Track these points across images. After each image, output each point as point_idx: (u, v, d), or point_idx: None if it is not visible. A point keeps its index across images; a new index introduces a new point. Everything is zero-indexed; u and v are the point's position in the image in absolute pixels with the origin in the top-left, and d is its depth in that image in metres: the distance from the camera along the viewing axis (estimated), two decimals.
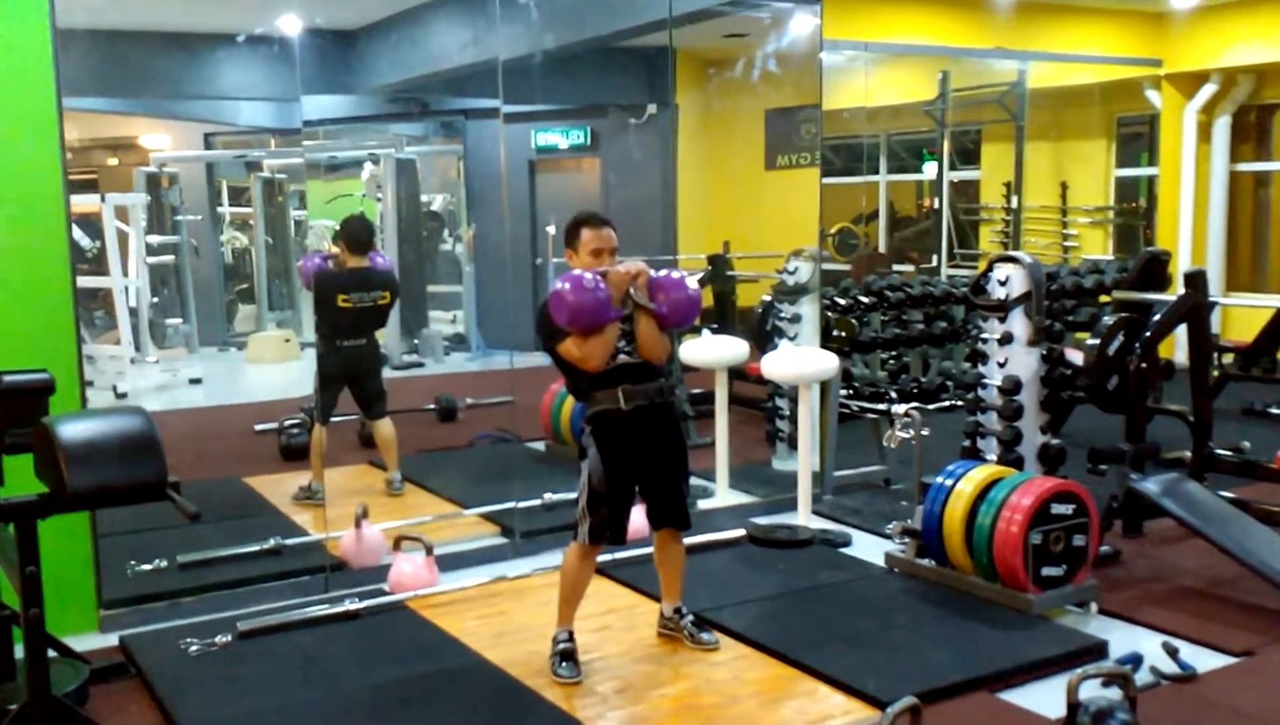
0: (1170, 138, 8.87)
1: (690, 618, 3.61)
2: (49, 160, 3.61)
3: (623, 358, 3.30)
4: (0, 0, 3.52)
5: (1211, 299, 5.08)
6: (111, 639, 3.64)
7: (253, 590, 3.99)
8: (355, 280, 5.07)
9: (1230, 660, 3.40)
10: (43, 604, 2.53)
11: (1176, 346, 7.72)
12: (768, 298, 6.16)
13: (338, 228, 5.63)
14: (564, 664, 3.34)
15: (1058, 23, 8.34)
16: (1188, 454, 4.78)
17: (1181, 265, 8.13)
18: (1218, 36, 8.34)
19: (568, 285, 3.14)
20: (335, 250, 5.28)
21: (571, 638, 3.40)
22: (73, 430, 2.49)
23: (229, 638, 3.56)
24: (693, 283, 3.34)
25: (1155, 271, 5.25)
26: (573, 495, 4.72)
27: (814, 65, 5.49)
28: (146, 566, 4.12)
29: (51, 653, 2.84)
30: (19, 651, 2.98)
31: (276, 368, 8.38)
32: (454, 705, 3.19)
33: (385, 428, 5.28)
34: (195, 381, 7.84)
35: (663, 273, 3.33)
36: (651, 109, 8.90)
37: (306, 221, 9.90)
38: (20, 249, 3.59)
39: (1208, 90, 8.60)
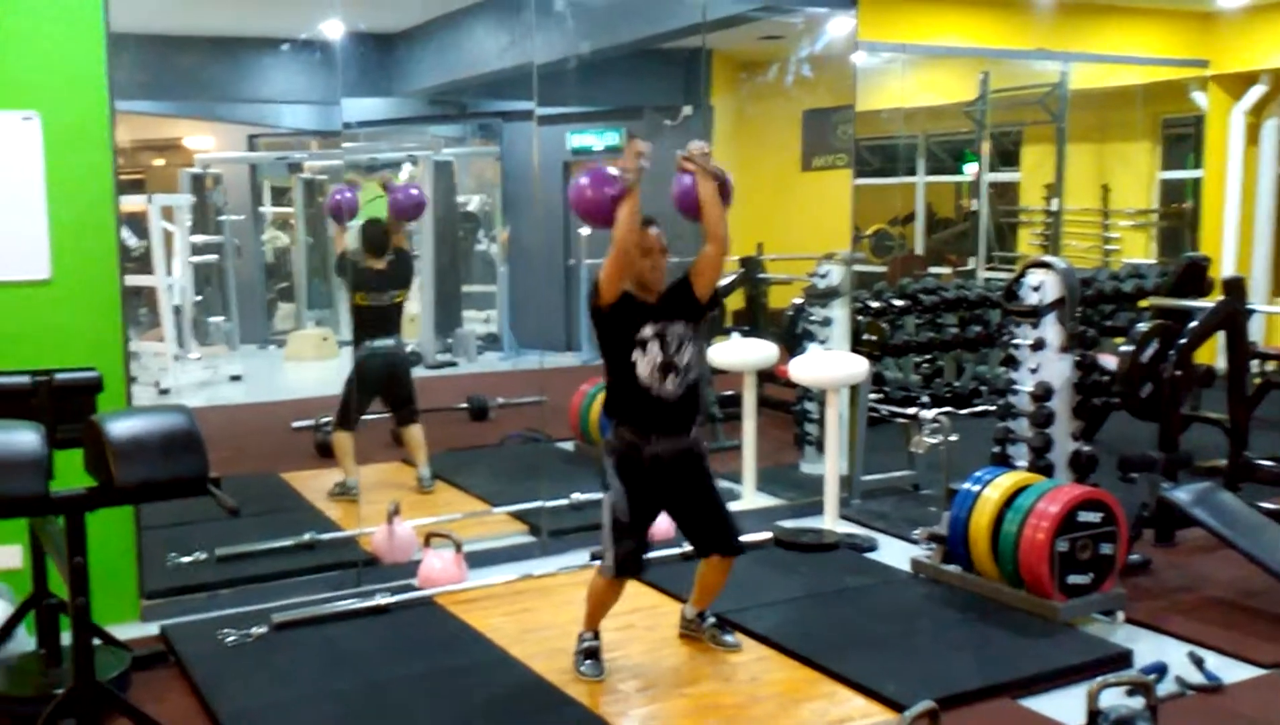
0: (1216, 140, 8.72)
1: (712, 620, 3.64)
2: (101, 163, 3.74)
3: (669, 388, 3.22)
4: (56, 4, 3.65)
5: (1252, 306, 5.02)
6: (152, 628, 3.76)
7: (287, 583, 4.09)
8: (373, 280, 5.24)
9: (1259, 672, 3.37)
10: (89, 593, 2.63)
11: (1219, 353, 7.61)
12: (799, 301, 6.17)
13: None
14: (587, 661, 3.40)
15: (1101, 23, 8.24)
16: (1223, 462, 4.73)
17: (1226, 271, 8.01)
18: (1267, 37, 8.18)
19: (585, 180, 3.20)
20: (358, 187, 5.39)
21: (597, 637, 3.46)
22: (121, 427, 2.59)
23: (265, 629, 3.66)
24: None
25: (1195, 277, 5.21)
26: (600, 495, 4.80)
27: (848, 66, 5.49)
28: (186, 559, 4.25)
29: (95, 640, 2.94)
30: (64, 639, 3.10)
31: (315, 365, 8.53)
32: (481, 698, 3.26)
33: (414, 432, 5.42)
34: (236, 378, 8.00)
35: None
36: (687, 111, 8.93)
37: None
38: (72, 250, 3.71)
39: (1256, 92, 8.44)
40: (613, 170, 3.21)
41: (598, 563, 4.25)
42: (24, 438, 2.60)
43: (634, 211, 3.16)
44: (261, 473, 5.54)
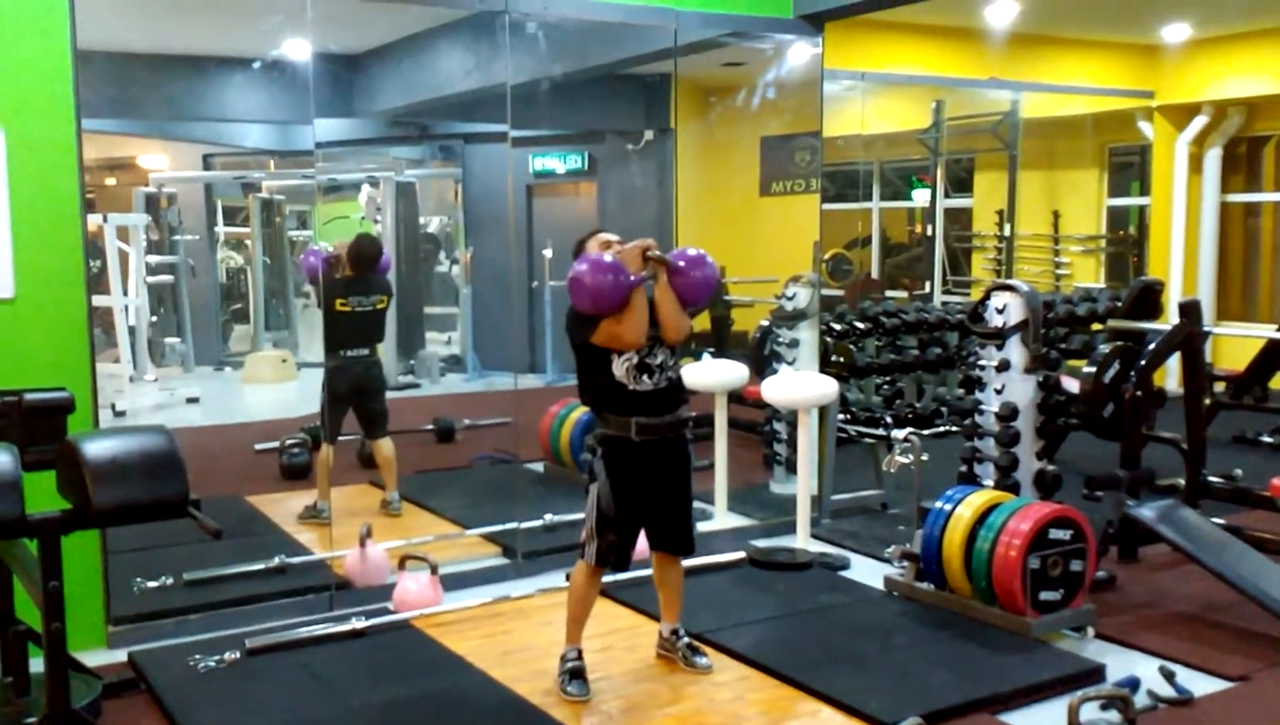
0: (1162, 169, 9.01)
1: (686, 640, 3.64)
2: (68, 182, 3.67)
3: (645, 383, 3.32)
4: (23, 21, 3.59)
5: (1208, 328, 5.17)
6: (120, 655, 3.66)
7: (258, 608, 4.02)
8: (352, 287, 5.17)
9: (1226, 685, 3.45)
10: (64, 619, 2.56)
11: (1168, 375, 7.82)
12: (766, 323, 6.22)
13: (348, 243, 5.67)
14: (573, 682, 3.38)
15: (1051, 54, 8.48)
16: (1181, 481, 4.85)
17: (1173, 294, 8.25)
18: (1209, 69, 8.50)
19: (584, 266, 3.21)
20: (331, 248, 5.38)
21: (580, 656, 3.45)
22: (98, 448, 2.54)
23: (237, 654, 3.58)
24: (711, 259, 3.40)
25: (1149, 300, 5.35)
26: (574, 517, 4.79)
27: (812, 94, 5.58)
28: (153, 583, 4.16)
29: None
30: (33, 667, 3.02)
31: (273, 388, 8.40)
32: (464, 723, 3.22)
33: (386, 447, 5.33)
34: (193, 400, 7.85)
35: (679, 250, 3.41)
36: (649, 135, 9.00)
37: (314, 243, 9.97)
38: (39, 270, 3.64)
39: (1199, 122, 8.75)
40: (608, 256, 3.26)
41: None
42: None
43: (643, 313, 3.25)
44: (226, 496, 5.43)
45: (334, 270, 5.24)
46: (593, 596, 3.49)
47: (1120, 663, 3.58)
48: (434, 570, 4.13)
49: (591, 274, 3.18)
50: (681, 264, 3.31)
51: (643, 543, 3.70)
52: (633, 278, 3.23)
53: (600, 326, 3.25)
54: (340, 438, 5.46)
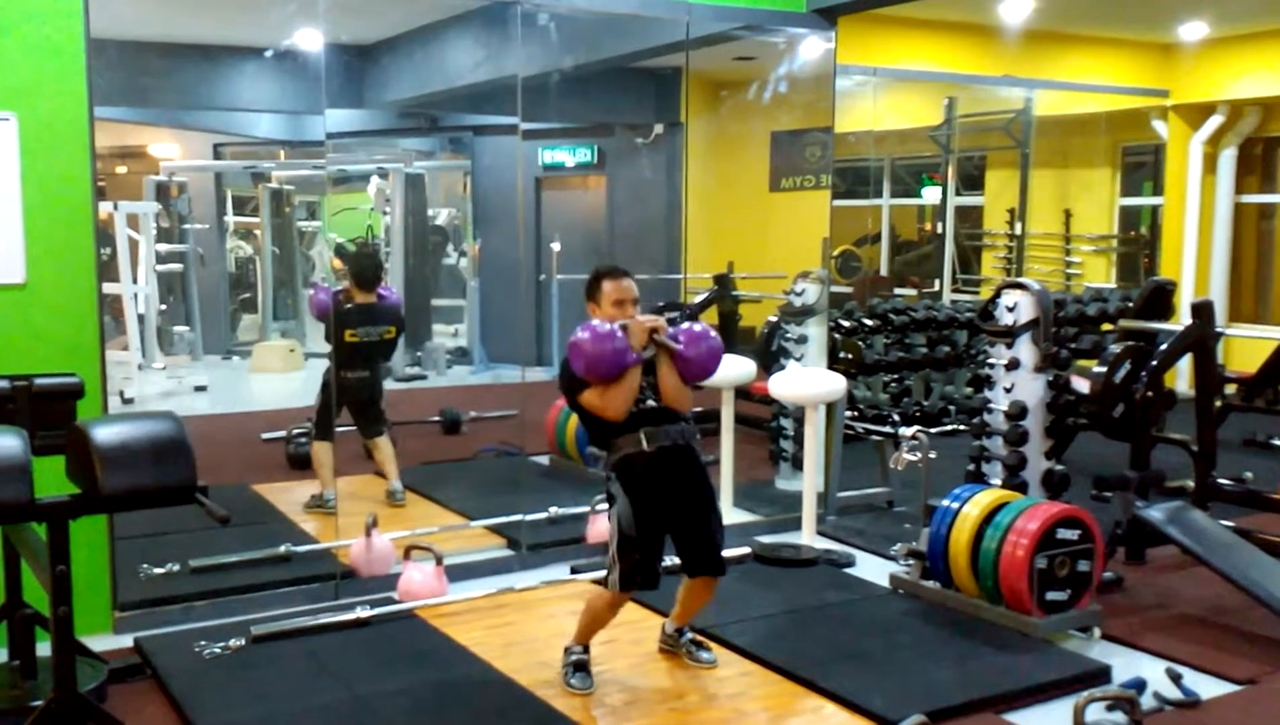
0: (1176, 168, 8.96)
1: (690, 636, 3.63)
2: (80, 169, 3.67)
3: (647, 404, 3.30)
4: (37, 8, 3.59)
5: (1221, 329, 5.13)
6: (126, 640, 3.68)
7: (263, 596, 4.03)
8: (362, 316, 5.17)
9: (1233, 688, 3.43)
10: (71, 603, 2.57)
11: (1178, 376, 7.78)
12: (774, 318, 6.21)
13: (342, 261, 5.67)
14: (576, 674, 3.38)
15: (1065, 51, 8.44)
16: (1191, 483, 4.83)
17: (1185, 295, 8.21)
18: (1225, 68, 8.44)
19: (586, 334, 3.17)
20: (344, 285, 5.39)
21: (587, 650, 3.44)
22: (107, 433, 2.54)
23: (242, 641, 3.59)
24: (715, 334, 3.38)
25: (1161, 301, 5.32)
26: (578, 510, 4.81)
27: (823, 89, 5.56)
28: (159, 570, 4.17)
29: None
30: (40, 651, 3.03)
31: (281, 377, 8.41)
32: (466, 713, 3.22)
33: (383, 445, 5.37)
34: (200, 389, 7.88)
35: (684, 326, 3.38)
36: (659, 129, 8.99)
37: (322, 234, 10.00)
38: (48, 254, 3.65)
39: (1214, 122, 8.69)
40: (606, 325, 3.21)
41: (577, 576, 4.26)
42: (7, 443, 2.54)
43: (632, 392, 3.22)
44: (233, 484, 5.45)
45: (343, 301, 5.22)
46: (609, 619, 3.44)
47: (1126, 664, 3.57)
48: (439, 561, 4.13)
49: (592, 342, 3.15)
50: (684, 347, 3.27)
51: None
52: (632, 356, 3.20)
53: (587, 391, 3.23)
54: (345, 428, 5.48)
